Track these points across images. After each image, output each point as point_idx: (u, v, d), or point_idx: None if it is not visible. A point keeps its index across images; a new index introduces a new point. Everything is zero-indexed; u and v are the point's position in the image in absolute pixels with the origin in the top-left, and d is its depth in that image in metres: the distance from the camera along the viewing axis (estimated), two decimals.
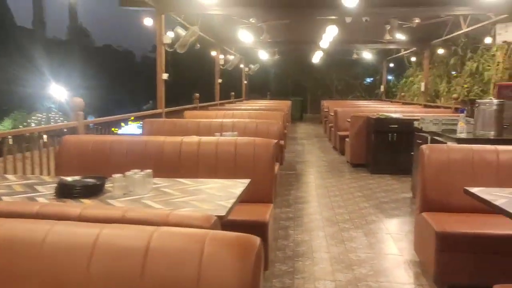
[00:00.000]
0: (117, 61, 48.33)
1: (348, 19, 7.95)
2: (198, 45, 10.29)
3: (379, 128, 7.19)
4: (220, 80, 12.87)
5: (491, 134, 4.30)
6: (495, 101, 4.32)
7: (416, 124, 5.62)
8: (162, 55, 7.29)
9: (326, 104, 14.64)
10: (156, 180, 2.51)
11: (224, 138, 3.82)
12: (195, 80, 26.88)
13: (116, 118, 5.90)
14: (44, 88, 36.47)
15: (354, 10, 6.68)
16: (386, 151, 7.14)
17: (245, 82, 19.07)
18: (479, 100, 4.42)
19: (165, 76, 7.31)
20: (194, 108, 9.87)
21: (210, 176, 3.08)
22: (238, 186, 2.47)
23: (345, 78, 22.03)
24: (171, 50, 7.33)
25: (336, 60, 19.50)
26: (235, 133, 5.06)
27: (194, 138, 3.72)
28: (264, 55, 17.22)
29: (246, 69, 18.99)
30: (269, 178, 3.49)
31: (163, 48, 7.27)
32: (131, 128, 8.70)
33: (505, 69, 8.80)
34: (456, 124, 4.82)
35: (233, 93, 15.93)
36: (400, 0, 7.23)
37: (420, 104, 12.28)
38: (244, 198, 2.40)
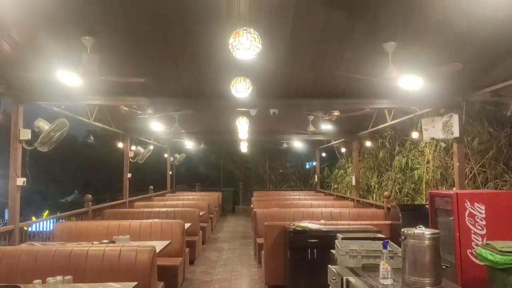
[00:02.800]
0: None
1: (253, 112, 6.91)
2: (92, 138, 8.81)
3: (296, 243, 5.84)
4: (129, 175, 11.25)
5: (426, 282, 2.97)
6: (427, 232, 3.07)
7: (335, 242, 4.29)
8: (18, 155, 5.67)
9: (254, 197, 13.33)
10: None
11: None
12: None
13: None
14: None
15: (252, 101, 5.61)
16: (305, 271, 5.73)
17: (170, 173, 17.54)
18: (405, 231, 3.15)
19: (20, 181, 5.63)
20: (84, 214, 8.07)
21: None
22: None
23: (277, 167, 21.05)
24: (30, 148, 5.74)
25: (267, 149, 18.57)
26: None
27: None
28: (189, 144, 15.99)
29: (171, 159, 17.57)
30: None
31: (20, 146, 5.68)
32: None
33: (436, 167, 7.96)
34: (379, 257, 3.51)
35: (151, 187, 14.27)
36: (315, 92, 6.28)
37: (352, 200, 11.26)
38: None
